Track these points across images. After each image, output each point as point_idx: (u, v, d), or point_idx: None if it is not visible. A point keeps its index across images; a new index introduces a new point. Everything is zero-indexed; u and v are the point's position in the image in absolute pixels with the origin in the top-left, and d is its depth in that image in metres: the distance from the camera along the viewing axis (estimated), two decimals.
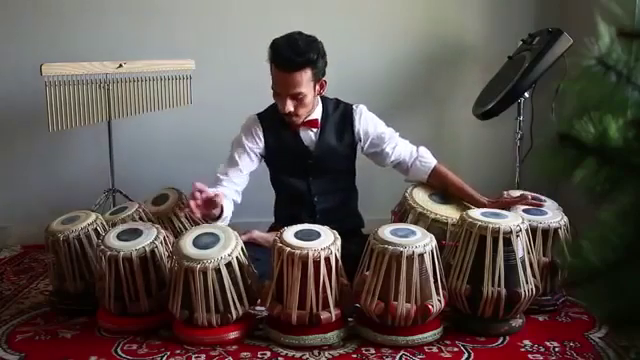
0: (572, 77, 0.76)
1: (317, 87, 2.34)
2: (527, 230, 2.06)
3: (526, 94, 2.95)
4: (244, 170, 2.42)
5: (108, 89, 2.91)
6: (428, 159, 2.49)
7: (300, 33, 2.31)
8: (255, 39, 3.31)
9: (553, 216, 2.24)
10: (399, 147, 2.49)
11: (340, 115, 2.46)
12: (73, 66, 2.80)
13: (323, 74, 2.35)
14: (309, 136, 2.44)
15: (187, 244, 2.01)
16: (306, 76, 2.26)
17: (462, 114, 3.39)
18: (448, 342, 2.01)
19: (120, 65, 2.91)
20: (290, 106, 2.29)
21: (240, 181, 2.41)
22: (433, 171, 2.48)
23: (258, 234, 2.38)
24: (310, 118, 2.40)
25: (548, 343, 2.00)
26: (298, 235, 2.01)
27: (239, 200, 2.41)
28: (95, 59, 2.90)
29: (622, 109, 0.75)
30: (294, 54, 2.23)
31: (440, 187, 2.49)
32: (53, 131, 2.79)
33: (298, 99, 2.29)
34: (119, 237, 2.13)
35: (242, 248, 2.06)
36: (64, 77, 2.77)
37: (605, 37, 0.73)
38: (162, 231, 2.21)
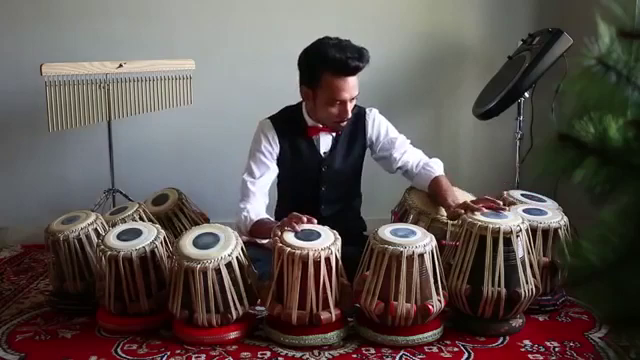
0: (572, 77, 0.76)
1: None
2: (527, 230, 2.06)
3: (526, 94, 2.95)
4: (269, 180, 2.40)
5: (108, 89, 2.92)
6: (434, 168, 2.43)
7: (336, 38, 2.28)
8: (255, 39, 3.34)
9: (553, 216, 2.24)
10: (408, 154, 2.46)
11: (354, 118, 2.41)
12: (73, 66, 2.80)
13: None
14: (327, 142, 2.41)
15: (187, 244, 2.01)
16: (357, 78, 2.27)
17: (462, 114, 3.40)
18: (448, 342, 2.01)
19: (120, 65, 2.91)
20: (351, 110, 2.29)
21: (268, 189, 2.40)
22: (433, 180, 2.41)
23: None
24: None
25: (548, 343, 2.00)
26: (298, 235, 2.01)
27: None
28: (95, 59, 2.90)
29: (622, 109, 0.75)
30: (359, 59, 2.21)
31: (433, 196, 2.40)
32: (53, 131, 2.79)
33: (354, 100, 2.29)
34: (119, 237, 2.13)
35: (242, 248, 2.06)
36: (64, 77, 2.77)
37: (605, 37, 0.73)
38: (162, 231, 2.21)
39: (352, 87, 2.25)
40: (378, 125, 2.45)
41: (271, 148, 2.39)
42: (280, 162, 2.43)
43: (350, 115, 2.29)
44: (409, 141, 2.51)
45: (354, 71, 2.23)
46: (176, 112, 3.16)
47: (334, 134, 2.41)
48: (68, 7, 3.28)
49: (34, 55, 3.07)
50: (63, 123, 2.79)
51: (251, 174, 2.37)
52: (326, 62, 2.21)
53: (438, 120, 3.53)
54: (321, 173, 2.43)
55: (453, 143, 3.52)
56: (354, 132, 2.44)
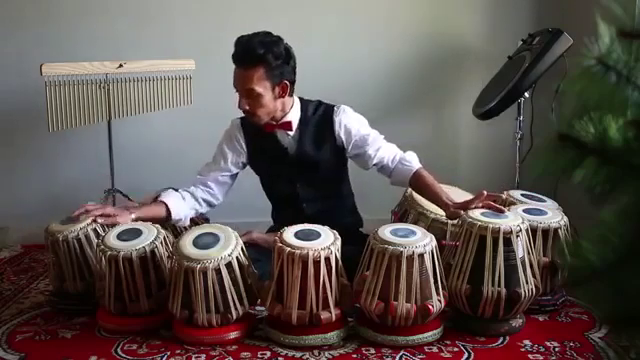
0: (572, 77, 0.76)
1: (277, 89, 2.29)
2: (527, 230, 2.06)
3: (526, 94, 2.95)
4: (221, 176, 2.45)
5: (108, 89, 2.91)
6: (412, 163, 2.37)
7: (267, 33, 2.28)
8: None
9: (553, 216, 2.24)
10: (382, 150, 2.39)
11: (320, 117, 2.41)
12: (73, 66, 2.80)
13: (286, 77, 2.29)
14: (286, 139, 2.41)
15: (187, 244, 2.01)
16: (258, 74, 2.23)
17: (462, 114, 3.39)
18: (448, 342, 2.01)
19: (120, 65, 2.91)
20: (244, 104, 2.29)
21: (215, 186, 2.45)
22: (414, 175, 2.34)
23: (257, 235, 2.38)
24: (284, 120, 2.37)
25: (548, 343, 2.00)
26: (298, 235, 2.01)
27: (215, 202, 2.46)
28: (95, 59, 2.90)
29: (622, 109, 0.75)
30: (246, 50, 2.23)
31: (419, 192, 2.38)
32: (53, 131, 2.79)
33: (253, 97, 2.27)
34: (119, 237, 2.13)
35: (242, 248, 2.05)
36: (64, 77, 2.77)
37: (605, 37, 0.73)
38: (162, 231, 2.21)
39: (242, 79, 2.26)
40: (346, 122, 2.39)
41: (232, 148, 2.46)
42: (252, 162, 2.48)
43: (243, 107, 2.29)
44: (383, 136, 2.43)
45: (239, 63, 2.25)
46: (176, 112, 3.16)
47: (290, 132, 2.40)
48: (68, 7, 3.28)
49: (34, 55, 3.06)
50: (63, 123, 2.79)
51: (206, 165, 2.49)
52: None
53: (438, 120, 3.53)
54: (290, 170, 2.43)
55: (453, 143, 3.52)
56: (321, 131, 2.41)
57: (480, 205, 2.12)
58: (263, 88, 2.26)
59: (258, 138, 2.43)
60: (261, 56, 2.22)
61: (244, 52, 2.24)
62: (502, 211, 2.11)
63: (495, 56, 3.22)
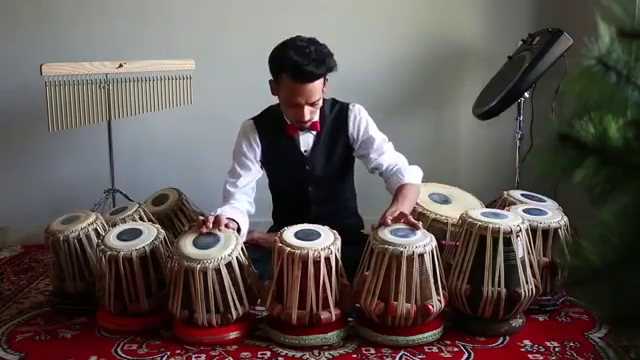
0: (572, 77, 0.76)
1: (324, 88, 2.29)
2: (527, 230, 2.06)
3: (526, 94, 2.95)
4: (251, 180, 2.38)
5: (108, 89, 2.92)
6: (404, 177, 2.32)
7: (309, 40, 2.23)
8: (255, 39, 3.34)
9: (553, 216, 2.24)
10: (384, 156, 2.38)
11: (336, 115, 2.40)
12: (73, 66, 2.80)
13: None
14: (308, 140, 2.39)
15: (187, 244, 2.01)
16: (321, 82, 2.22)
17: (462, 114, 3.40)
18: (448, 342, 2.01)
19: (120, 65, 2.91)
20: (309, 114, 2.24)
21: (250, 192, 2.38)
22: (398, 188, 2.30)
23: (258, 235, 2.38)
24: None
25: (548, 343, 2.00)
26: (298, 235, 2.01)
27: (253, 210, 2.38)
28: (95, 59, 2.90)
29: (622, 109, 0.75)
30: (316, 66, 2.16)
31: None
32: (53, 131, 2.79)
33: (314, 105, 2.25)
34: (119, 237, 2.13)
35: (242, 248, 2.05)
36: (64, 77, 2.77)
37: (605, 37, 0.73)
38: (162, 231, 2.21)
39: (308, 92, 2.19)
40: (359, 122, 2.39)
41: (252, 149, 2.39)
42: (265, 162, 2.43)
43: (307, 118, 2.25)
44: (391, 144, 2.42)
45: (309, 78, 2.16)
46: (176, 112, 3.16)
47: (314, 132, 2.37)
48: (68, 7, 3.28)
49: (34, 55, 3.06)
50: (63, 123, 2.79)
51: (232, 176, 2.37)
52: (284, 64, 2.18)
53: (438, 120, 3.53)
54: (305, 172, 2.40)
55: (453, 143, 3.52)
56: (336, 130, 2.39)
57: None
58: (321, 93, 2.25)
59: (274, 140, 2.39)
60: (330, 67, 2.20)
61: (314, 69, 2.15)
62: (414, 226, 2.03)
63: (495, 56, 3.22)
